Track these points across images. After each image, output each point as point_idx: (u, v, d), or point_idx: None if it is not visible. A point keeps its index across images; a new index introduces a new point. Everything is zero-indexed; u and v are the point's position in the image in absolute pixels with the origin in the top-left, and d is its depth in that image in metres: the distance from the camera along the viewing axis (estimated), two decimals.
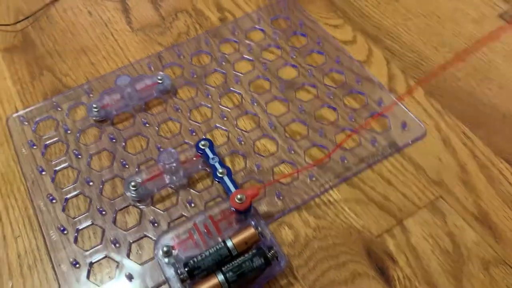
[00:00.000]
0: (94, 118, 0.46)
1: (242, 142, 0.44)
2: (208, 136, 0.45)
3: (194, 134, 0.45)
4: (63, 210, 0.41)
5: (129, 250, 0.38)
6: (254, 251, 0.35)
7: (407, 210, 0.39)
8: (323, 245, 0.38)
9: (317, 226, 0.39)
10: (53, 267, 0.38)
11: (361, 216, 0.39)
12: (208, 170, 0.42)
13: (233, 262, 0.34)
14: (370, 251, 0.37)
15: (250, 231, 0.36)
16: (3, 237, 0.40)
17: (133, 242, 0.39)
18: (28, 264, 0.38)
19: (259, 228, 0.36)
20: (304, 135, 0.44)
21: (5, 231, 0.40)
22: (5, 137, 0.46)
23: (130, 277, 0.37)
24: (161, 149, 0.44)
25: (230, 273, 0.34)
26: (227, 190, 0.39)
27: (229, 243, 0.35)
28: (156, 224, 0.39)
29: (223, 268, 0.34)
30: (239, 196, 0.37)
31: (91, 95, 0.48)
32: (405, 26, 0.53)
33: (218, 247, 0.35)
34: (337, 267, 0.36)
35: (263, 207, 0.40)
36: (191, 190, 0.41)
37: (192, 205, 0.40)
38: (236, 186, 0.39)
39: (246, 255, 0.35)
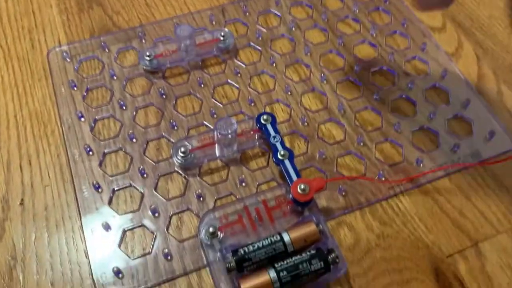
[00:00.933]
0: (144, 67, 0.41)
1: (306, 123, 0.39)
2: (268, 110, 0.40)
3: (252, 104, 0.40)
4: (100, 165, 0.36)
5: (169, 223, 0.34)
6: (312, 251, 0.31)
7: (485, 232, 0.34)
8: (386, 256, 0.33)
9: (382, 233, 0.34)
10: (81, 227, 0.34)
11: (432, 230, 0.34)
12: (264, 148, 0.37)
13: (287, 260, 0.30)
14: (438, 272, 0.33)
15: (311, 227, 0.31)
16: (31, 184, 0.36)
17: (174, 214, 0.34)
18: (55, 218, 0.34)
19: (320, 226, 0.32)
20: (376, 126, 0.39)
21: (33, 177, 0.36)
22: (43, 72, 0.42)
23: (167, 255, 0.32)
24: (215, 115, 0.39)
25: (284, 272, 0.30)
26: (287, 176, 0.34)
27: (286, 238, 0.31)
28: (201, 199, 0.35)
29: (276, 265, 0.30)
30: (302, 187, 0.33)
31: (143, 40, 0.43)
32: (501, 21, 0.46)
33: (273, 240, 0.31)
34: (400, 284, 0.32)
35: (322, 201, 0.35)
36: (244, 167, 0.37)
37: (243, 184, 0.36)
38: (298, 173, 0.34)
39: (304, 254, 0.30)
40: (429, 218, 0.35)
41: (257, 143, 0.37)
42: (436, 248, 0.34)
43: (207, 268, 0.32)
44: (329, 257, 0.30)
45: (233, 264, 0.30)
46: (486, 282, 0.32)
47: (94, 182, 0.35)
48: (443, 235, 0.34)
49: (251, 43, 0.44)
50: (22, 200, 0.35)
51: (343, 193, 0.35)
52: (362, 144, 0.38)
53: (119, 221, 0.34)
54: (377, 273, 0.32)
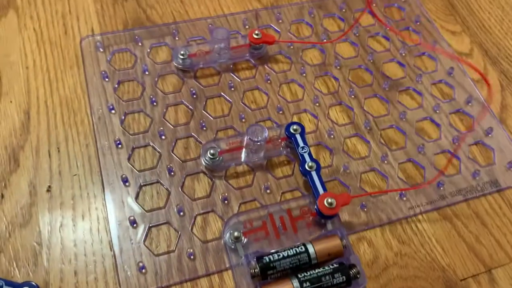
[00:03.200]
0: (177, 65, 0.41)
1: (332, 136, 0.40)
2: (295, 119, 0.40)
3: (281, 112, 0.41)
4: (128, 159, 0.37)
5: (193, 223, 0.35)
6: (335, 265, 0.31)
7: (499, 259, 0.35)
8: (402, 274, 0.34)
9: (399, 252, 0.35)
10: (107, 219, 0.34)
11: (448, 253, 0.35)
12: (290, 156, 0.38)
13: (311, 272, 0.31)
14: None
15: (336, 242, 0.32)
16: (59, 172, 0.36)
17: (199, 214, 0.35)
18: (82, 208, 0.35)
19: (344, 241, 0.33)
20: (401, 146, 0.40)
21: (61, 166, 0.36)
22: (76, 60, 0.42)
23: (190, 255, 0.33)
24: (243, 119, 0.40)
25: (308, 283, 0.30)
26: (313, 188, 0.35)
27: (311, 249, 0.32)
28: (226, 201, 0.36)
29: (299, 275, 0.31)
30: (329, 201, 0.33)
31: (177, 38, 0.44)
32: None
33: (298, 251, 0.32)
34: None
35: (344, 216, 0.36)
36: (269, 174, 0.37)
37: (268, 191, 0.36)
38: (324, 186, 0.35)
39: (326, 267, 0.31)
40: (446, 241, 0.36)
41: (284, 151, 0.38)
42: (451, 271, 0.35)
43: (229, 271, 0.33)
44: (351, 272, 0.31)
45: (257, 270, 0.31)
46: None
47: (123, 176, 0.36)
48: (458, 258, 0.35)
49: (282, 51, 0.44)
50: (49, 187, 0.35)
51: (365, 209, 0.36)
52: (385, 162, 0.39)
53: (145, 217, 0.34)
54: None
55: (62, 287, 0.32)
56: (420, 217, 0.37)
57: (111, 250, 0.33)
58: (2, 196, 0.35)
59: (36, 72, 0.41)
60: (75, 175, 0.36)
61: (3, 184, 0.35)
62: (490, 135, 0.41)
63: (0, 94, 0.39)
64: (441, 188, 0.38)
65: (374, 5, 0.48)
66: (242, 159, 0.37)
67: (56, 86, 0.40)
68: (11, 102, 0.39)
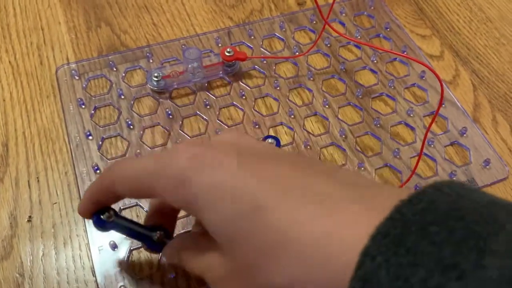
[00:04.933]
0: (152, 87, 0.42)
1: (308, 146, 0.40)
2: (272, 133, 0.41)
3: (257, 126, 0.41)
4: None
5: None
6: None
7: None
8: None
9: None
10: (88, 245, 0.34)
11: None
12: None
13: None
14: None
15: None
16: (39, 201, 0.36)
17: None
18: (63, 236, 0.35)
19: None
20: (376, 152, 0.40)
21: (41, 195, 0.37)
22: (52, 89, 0.42)
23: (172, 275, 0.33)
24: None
25: None
26: None
27: None
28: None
29: None
30: None
31: (151, 60, 0.44)
32: (496, 51, 0.48)
33: None
34: None
35: None
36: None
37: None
38: None
39: None
40: None
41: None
42: None
43: None
44: None
45: None
46: None
47: None
48: None
49: (256, 66, 0.45)
50: (30, 217, 0.36)
51: None
52: (363, 168, 0.39)
53: (126, 241, 0.35)
54: None
55: None
56: None
57: (93, 275, 0.33)
58: None
59: (13, 104, 0.41)
60: (55, 203, 0.36)
61: None
62: (464, 135, 0.42)
63: None
64: None
65: (344, 15, 0.49)
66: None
67: (33, 117, 0.41)
68: None
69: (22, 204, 0.36)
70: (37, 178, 0.37)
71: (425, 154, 0.40)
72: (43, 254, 0.34)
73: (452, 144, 0.41)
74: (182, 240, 0.29)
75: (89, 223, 0.35)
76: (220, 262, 0.23)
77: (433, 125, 0.42)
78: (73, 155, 0.38)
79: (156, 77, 0.42)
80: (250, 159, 0.23)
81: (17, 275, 0.33)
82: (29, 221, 0.35)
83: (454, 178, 0.39)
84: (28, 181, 0.37)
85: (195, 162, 0.23)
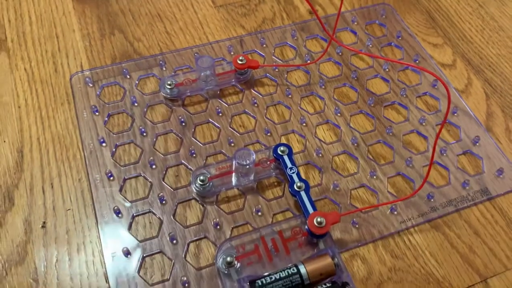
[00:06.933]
0: (165, 94, 0.42)
1: (320, 154, 0.40)
2: (284, 140, 0.41)
3: (269, 134, 0.41)
4: (120, 190, 0.37)
5: (187, 250, 0.35)
6: (328, 284, 0.32)
7: (494, 268, 0.35)
8: None
9: (393, 267, 0.35)
10: (101, 252, 0.35)
11: (442, 265, 0.35)
12: (280, 177, 0.39)
13: None
14: None
15: (327, 261, 0.32)
16: (53, 207, 0.37)
17: (192, 241, 0.35)
18: (76, 242, 0.35)
19: (336, 259, 0.33)
20: (389, 160, 0.40)
21: (55, 201, 0.37)
22: (66, 96, 0.43)
23: (185, 283, 0.33)
24: (232, 143, 0.40)
25: None
26: (303, 208, 0.35)
27: (303, 270, 0.32)
28: (218, 227, 0.36)
29: None
30: (319, 220, 0.34)
31: (164, 68, 0.45)
32: (509, 60, 0.48)
33: (290, 272, 0.32)
34: None
35: (336, 233, 0.36)
36: (260, 196, 0.38)
37: (259, 213, 0.37)
38: (314, 205, 0.35)
39: (319, 287, 0.31)
40: (440, 253, 0.36)
41: (274, 173, 0.38)
42: (446, 283, 0.35)
43: None
44: None
45: None
46: None
47: (115, 208, 0.36)
48: (453, 270, 0.35)
49: (268, 74, 0.45)
50: (44, 223, 0.36)
51: (357, 226, 0.36)
52: (375, 177, 0.39)
53: (139, 247, 0.35)
54: None
55: None
56: (412, 230, 0.37)
57: (106, 282, 0.33)
58: None
59: (28, 111, 0.42)
60: (69, 209, 0.37)
61: None
62: (477, 144, 0.41)
63: None
64: (432, 200, 0.38)
65: (355, 23, 0.49)
66: (233, 184, 0.38)
67: (48, 124, 0.41)
68: (4, 141, 0.40)
69: (36, 210, 0.36)
70: (51, 184, 0.38)
71: (438, 163, 0.40)
72: (56, 260, 0.34)
73: (464, 153, 0.41)
74: None
75: (103, 230, 0.35)
76: None
77: (446, 134, 0.42)
78: (87, 161, 0.39)
79: (169, 84, 0.42)
80: None
81: (31, 280, 0.33)
82: (43, 227, 0.36)
83: (467, 187, 0.39)
84: (43, 187, 0.38)
85: None
